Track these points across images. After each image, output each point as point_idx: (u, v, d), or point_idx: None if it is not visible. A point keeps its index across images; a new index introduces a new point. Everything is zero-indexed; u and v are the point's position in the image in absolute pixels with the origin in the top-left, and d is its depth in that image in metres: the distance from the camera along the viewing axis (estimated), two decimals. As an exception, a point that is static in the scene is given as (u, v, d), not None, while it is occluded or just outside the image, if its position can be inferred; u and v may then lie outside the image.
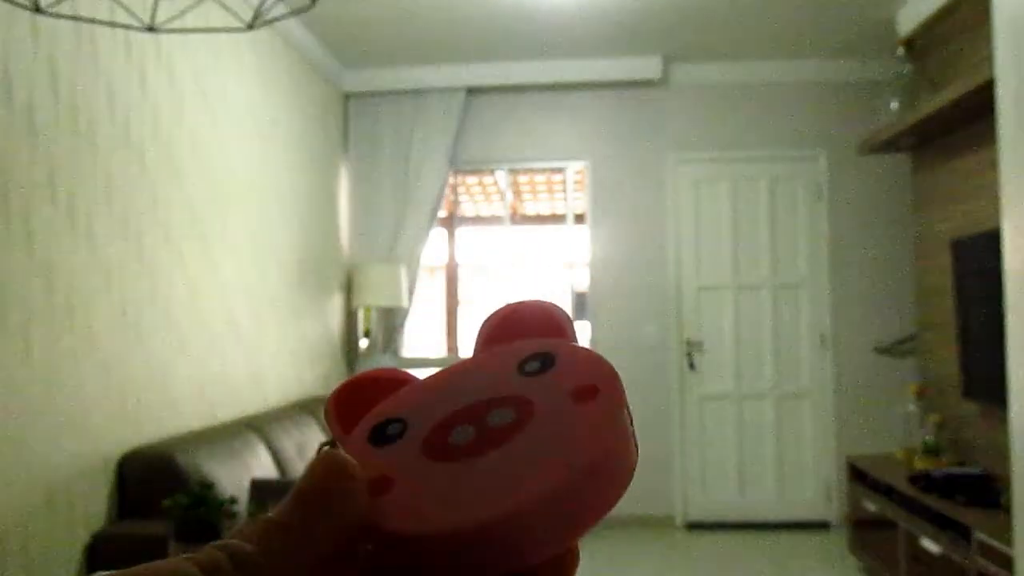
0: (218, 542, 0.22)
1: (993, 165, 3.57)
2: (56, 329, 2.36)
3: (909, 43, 4.27)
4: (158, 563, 0.21)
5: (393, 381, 0.31)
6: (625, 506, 3.72)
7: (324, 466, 0.25)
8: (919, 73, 4.16)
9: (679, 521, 4.99)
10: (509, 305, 0.32)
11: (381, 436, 0.28)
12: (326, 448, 0.30)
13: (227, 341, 3.47)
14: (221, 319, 3.42)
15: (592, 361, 0.29)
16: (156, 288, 2.91)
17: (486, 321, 0.32)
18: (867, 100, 4.86)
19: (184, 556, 0.22)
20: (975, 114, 3.55)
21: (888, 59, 4.53)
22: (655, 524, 4.95)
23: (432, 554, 0.25)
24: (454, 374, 0.30)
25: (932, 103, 3.64)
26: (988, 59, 2.68)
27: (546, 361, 0.29)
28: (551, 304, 0.32)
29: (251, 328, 3.72)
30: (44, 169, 2.33)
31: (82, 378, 2.47)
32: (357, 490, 0.25)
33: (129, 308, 2.73)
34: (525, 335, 0.31)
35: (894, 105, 4.18)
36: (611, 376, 0.28)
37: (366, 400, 0.30)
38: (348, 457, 0.25)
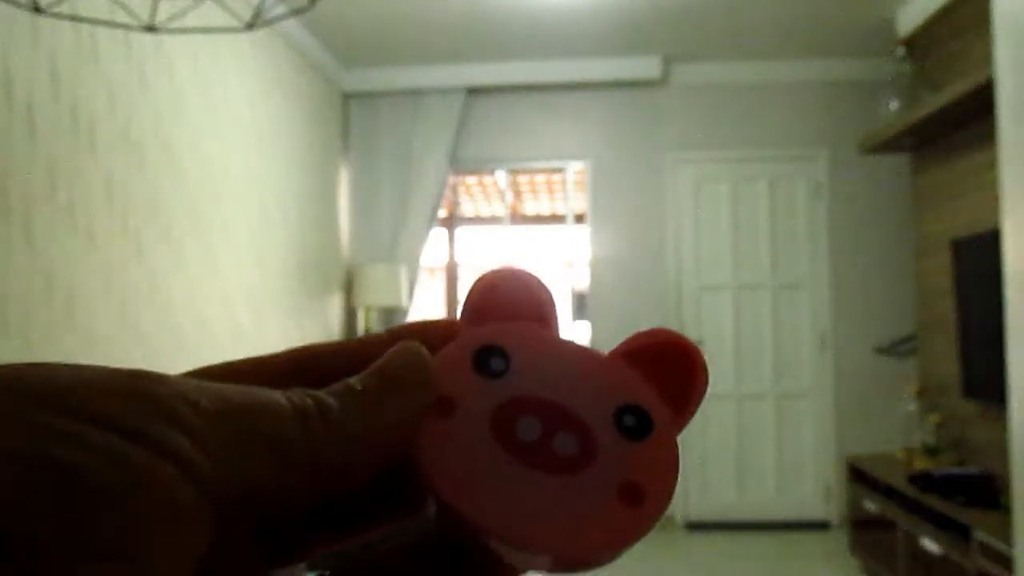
0: (305, 390, 0.23)
1: (993, 165, 3.56)
2: (56, 328, 2.36)
3: (909, 43, 4.27)
4: (262, 390, 0.22)
5: (539, 309, 0.30)
6: (625, 506, 3.71)
7: (410, 354, 0.25)
8: (919, 73, 4.16)
9: (679, 521, 4.99)
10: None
11: (483, 360, 0.27)
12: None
13: (227, 341, 3.47)
14: (221, 319, 3.42)
15: (669, 460, 0.28)
16: (156, 287, 2.91)
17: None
18: (867, 100, 4.86)
19: (281, 392, 0.23)
20: (975, 114, 3.55)
21: (888, 59, 4.53)
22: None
23: (449, 517, 0.25)
24: (573, 358, 0.29)
25: (932, 103, 3.64)
26: (988, 59, 2.68)
27: (643, 427, 0.28)
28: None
29: (251, 328, 3.72)
30: (44, 169, 2.33)
31: (82, 378, 2.47)
32: (431, 391, 0.25)
33: (129, 307, 2.73)
34: (651, 363, 0.30)
35: (894, 105, 4.18)
36: (669, 482, 0.27)
37: (509, 306, 0.29)
38: (428, 356, 0.26)
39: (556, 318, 0.30)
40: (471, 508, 0.25)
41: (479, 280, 0.29)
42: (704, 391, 0.30)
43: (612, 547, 0.26)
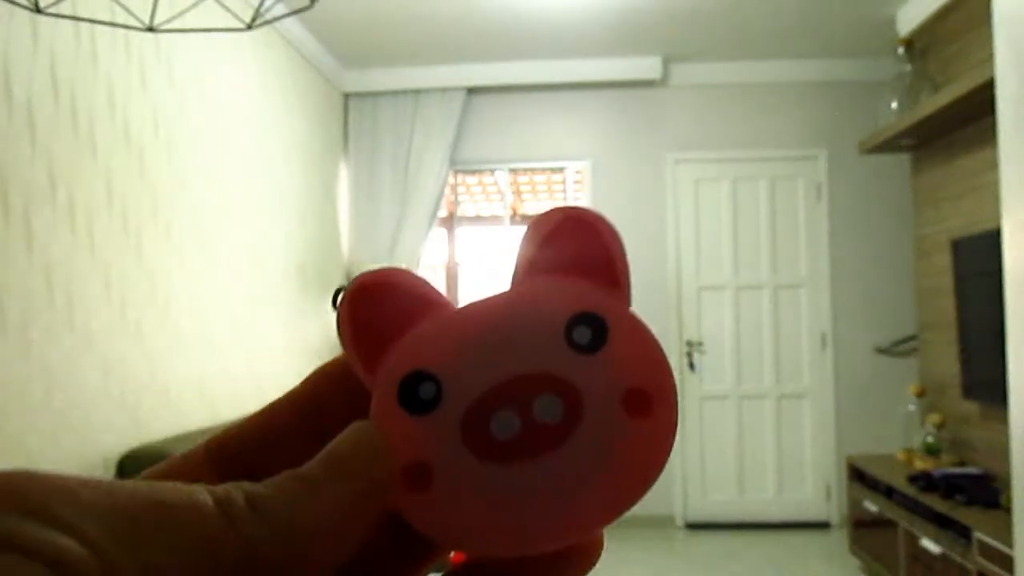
0: (238, 483, 0.21)
1: (993, 165, 3.56)
2: (56, 329, 2.36)
3: (909, 43, 4.26)
4: (174, 484, 0.20)
5: (423, 300, 0.27)
6: (625, 506, 3.69)
7: (359, 435, 0.24)
8: (919, 73, 4.16)
9: (679, 521, 4.99)
10: (559, 215, 0.28)
11: (413, 398, 0.25)
12: (335, 360, 0.27)
13: (227, 341, 3.47)
14: (221, 319, 3.42)
15: (647, 351, 0.26)
16: (156, 288, 2.91)
17: (539, 224, 0.27)
18: (867, 100, 4.86)
19: (202, 485, 0.21)
20: (975, 114, 3.55)
21: (888, 59, 4.53)
22: (655, 524, 4.95)
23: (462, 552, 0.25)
24: (496, 316, 0.26)
25: (932, 103, 3.64)
26: (988, 59, 2.68)
27: (597, 331, 0.25)
28: (609, 228, 0.28)
29: (251, 328, 3.71)
30: (44, 169, 2.33)
31: (82, 378, 2.47)
32: (387, 466, 0.24)
33: (129, 308, 2.73)
34: (575, 261, 0.27)
35: (894, 105, 4.18)
36: (667, 380, 0.25)
37: (391, 322, 0.26)
38: (381, 436, 0.24)
39: (437, 293, 0.27)
40: (485, 546, 0.24)
41: (345, 302, 0.27)
42: (620, 246, 0.27)
43: (653, 463, 0.24)
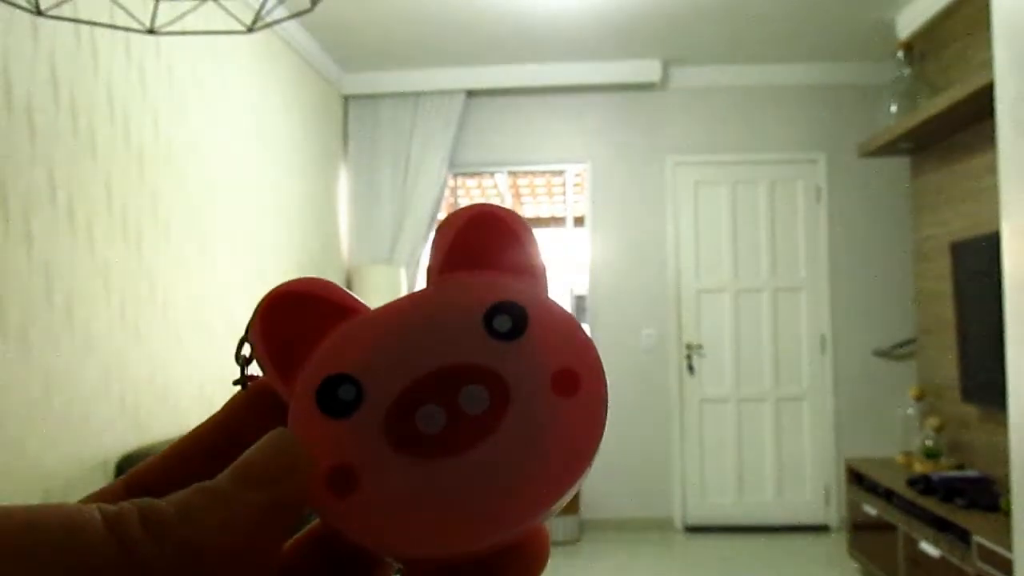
0: (137, 499, 0.20)
1: (992, 168, 3.57)
2: (55, 330, 2.36)
3: (908, 46, 4.27)
4: (59, 505, 0.19)
5: (336, 305, 0.26)
6: (624, 509, 3.69)
7: (273, 442, 0.22)
8: (918, 76, 4.17)
9: (678, 524, 4.99)
10: (468, 213, 0.27)
11: (332, 401, 0.24)
12: (247, 383, 0.26)
13: (226, 342, 3.47)
14: (220, 320, 3.42)
15: (570, 332, 0.25)
16: (155, 289, 2.91)
17: (445, 226, 0.27)
18: (866, 103, 4.87)
19: (93, 502, 0.19)
20: (974, 117, 3.55)
21: (887, 62, 4.54)
22: (654, 527, 4.95)
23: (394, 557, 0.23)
24: (411, 313, 0.26)
25: (931, 106, 3.64)
26: (987, 63, 2.68)
27: (517, 320, 0.25)
28: (517, 219, 0.27)
29: (250, 330, 3.71)
30: (44, 170, 2.33)
31: (81, 379, 2.47)
32: (306, 476, 0.22)
33: (128, 309, 2.73)
34: (488, 256, 0.27)
35: (893, 108, 4.18)
36: (592, 358, 0.25)
37: (304, 325, 0.25)
38: (299, 442, 0.22)
39: (352, 299, 0.26)
40: (420, 548, 0.22)
41: (257, 316, 0.26)
42: (534, 242, 0.27)
43: (589, 438, 0.23)
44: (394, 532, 0.22)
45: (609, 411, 0.25)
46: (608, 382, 0.24)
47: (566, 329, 0.25)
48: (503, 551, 0.23)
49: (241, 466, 0.21)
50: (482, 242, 0.27)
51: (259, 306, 0.26)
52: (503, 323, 0.25)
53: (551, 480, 0.23)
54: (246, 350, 0.26)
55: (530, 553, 0.24)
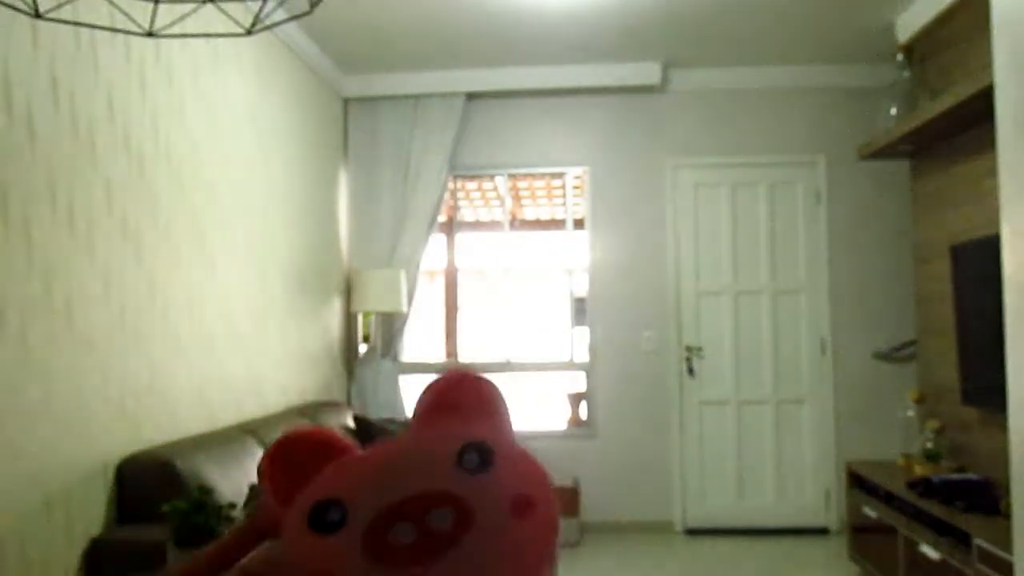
0: None
1: (992, 171, 3.57)
2: (55, 333, 2.36)
3: (908, 49, 4.27)
4: None
5: (331, 448, 0.30)
6: (624, 511, 3.69)
7: (262, 552, 0.25)
8: (918, 79, 4.17)
9: (678, 527, 4.98)
10: (446, 379, 0.31)
11: (321, 521, 0.27)
12: (254, 500, 0.29)
13: (226, 346, 3.47)
14: (220, 323, 3.42)
15: (528, 467, 0.29)
16: (155, 292, 2.91)
17: (427, 390, 0.31)
18: (866, 106, 4.87)
19: None
20: (974, 120, 3.56)
21: (887, 65, 4.54)
22: (654, 530, 4.95)
23: None
24: (394, 452, 0.29)
25: (931, 109, 3.64)
26: (987, 65, 2.69)
27: (484, 456, 0.28)
28: (485, 383, 0.31)
29: (250, 333, 3.71)
30: (43, 173, 2.33)
31: (81, 382, 2.47)
32: None
33: (128, 312, 2.73)
34: (462, 409, 0.30)
35: (893, 111, 4.18)
36: (546, 486, 0.28)
37: (305, 464, 0.29)
38: (286, 554, 0.25)
39: (345, 442, 0.31)
40: None
41: (267, 459, 0.30)
42: (502, 401, 0.31)
43: (541, 554, 0.25)
44: None
45: (559, 533, 0.27)
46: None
47: (525, 465, 0.28)
48: None
49: (237, 569, 0.23)
50: (459, 399, 0.31)
51: (268, 450, 0.29)
52: (472, 460, 0.28)
53: None
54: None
55: None
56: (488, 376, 0.27)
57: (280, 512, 0.24)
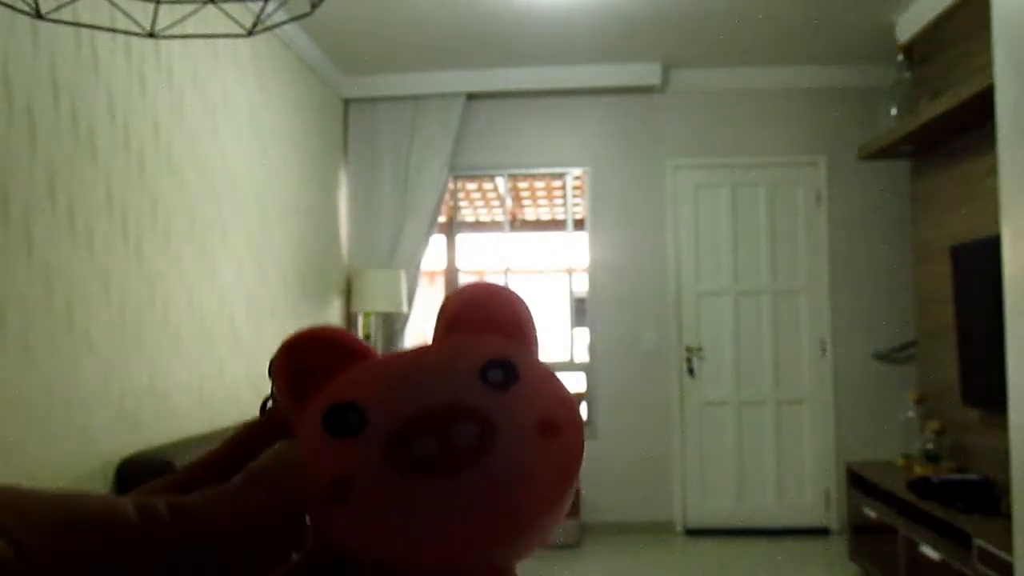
0: (164, 497, 0.23)
1: (992, 171, 3.57)
2: (55, 333, 2.36)
3: (908, 49, 4.27)
4: (97, 494, 0.22)
5: (350, 350, 0.30)
6: (625, 512, 3.68)
7: (276, 451, 0.25)
8: (918, 79, 4.17)
9: (678, 527, 4.98)
10: (473, 289, 0.31)
11: (338, 424, 0.27)
12: (268, 405, 0.29)
13: (226, 346, 3.47)
14: (220, 324, 3.42)
15: (554, 388, 0.28)
16: (155, 293, 2.91)
17: (448, 301, 0.31)
18: (866, 106, 4.88)
19: (128, 496, 0.22)
20: (974, 120, 3.56)
21: (888, 65, 4.54)
22: (654, 530, 4.94)
23: (379, 570, 0.25)
24: (415, 362, 0.29)
25: (931, 109, 3.64)
26: (987, 66, 2.69)
27: (508, 373, 0.28)
28: (516, 297, 0.31)
29: (250, 333, 3.71)
30: (44, 174, 2.33)
31: (81, 383, 2.47)
32: (304, 480, 0.25)
33: (128, 313, 2.73)
34: (488, 324, 0.30)
35: (893, 111, 4.18)
36: (572, 410, 0.28)
37: (320, 365, 0.29)
38: (300, 456, 0.26)
39: (363, 345, 0.30)
40: (402, 556, 0.24)
41: (281, 354, 0.30)
42: (530, 319, 0.31)
43: (564, 478, 0.26)
44: (380, 539, 0.25)
45: (584, 456, 0.27)
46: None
47: (551, 386, 0.28)
48: None
49: (248, 471, 0.24)
50: (483, 313, 0.30)
51: (283, 344, 0.29)
52: (496, 376, 0.28)
53: (531, 506, 0.25)
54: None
55: None
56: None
57: (293, 411, 0.25)
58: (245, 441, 0.29)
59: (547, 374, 0.29)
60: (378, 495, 0.25)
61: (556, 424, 0.27)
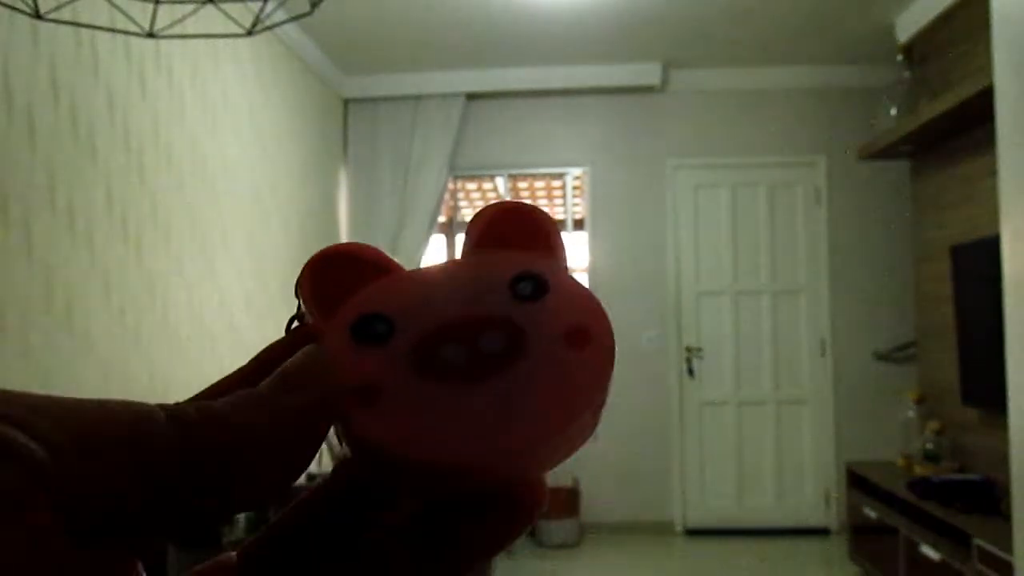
0: (191, 402, 0.23)
1: (992, 171, 3.57)
2: (55, 333, 2.36)
3: (908, 49, 4.27)
4: (124, 400, 0.22)
5: (376, 265, 0.30)
6: (624, 512, 3.68)
7: (304, 354, 0.25)
8: (918, 79, 4.17)
9: (678, 527, 4.98)
10: (499, 206, 0.31)
11: (366, 333, 0.27)
12: (295, 325, 0.29)
13: (226, 346, 3.47)
14: (220, 324, 3.42)
15: (585, 299, 0.28)
16: (155, 292, 2.91)
17: (476, 219, 0.31)
18: (866, 106, 4.87)
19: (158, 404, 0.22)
20: (974, 120, 3.55)
21: (887, 65, 4.54)
22: (654, 530, 4.94)
23: (409, 474, 0.25)
24: (443, 275, 0.30)
25: (931, 109, 3.64)
26: (987, 66, 2.69)
27: (538, 285, 0.28)
28: (544, 214, 0.31)
29: (250, 333, 3.71)
30: (44, 174, 2.33)
31: (81, 382, 2.47)
32: (334, 383, 0.25)
33: (128, 313, 2.73)
34: (515, 240, 0.30)
35: (893, 111, 4.18)
36: (603, 320, 0.28)
37: (346, 279, 0.29)
38: (329, 358, 0.26)
39: (393, 262, 0.30)
40: (427, 453, 0.24)
41: (308, 266, 0.29)
42: (558, 234, 0.31)
43: (594, 386, 0.26)
44: (405, 440, 0.25)
45: (614, 374, 0.27)
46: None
47: (582, 297, 0.28)
48: (497, 494, 0.26)
49: (277, 374, 0.24)
50: (511, 229, 0.30)
51: (308, 260, 0.29)
52: (525, 288, 0.28)
53: (556, 412, 0.25)
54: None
55: (523, 503, 0.26)
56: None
57: (320, 325, 0.25)
58: (271, 358, 0.29)
59: (577, 285, 0.29)
60: (404, 398, 0.26)
61: (586, 333, 0.27)
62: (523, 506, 0.26)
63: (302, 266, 0.29)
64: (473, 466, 0.25)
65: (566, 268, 0.30)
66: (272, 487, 0.23)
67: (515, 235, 0.30)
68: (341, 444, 0.26)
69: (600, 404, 0.26)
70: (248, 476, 0.22)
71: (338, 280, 0.29)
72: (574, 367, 0.26)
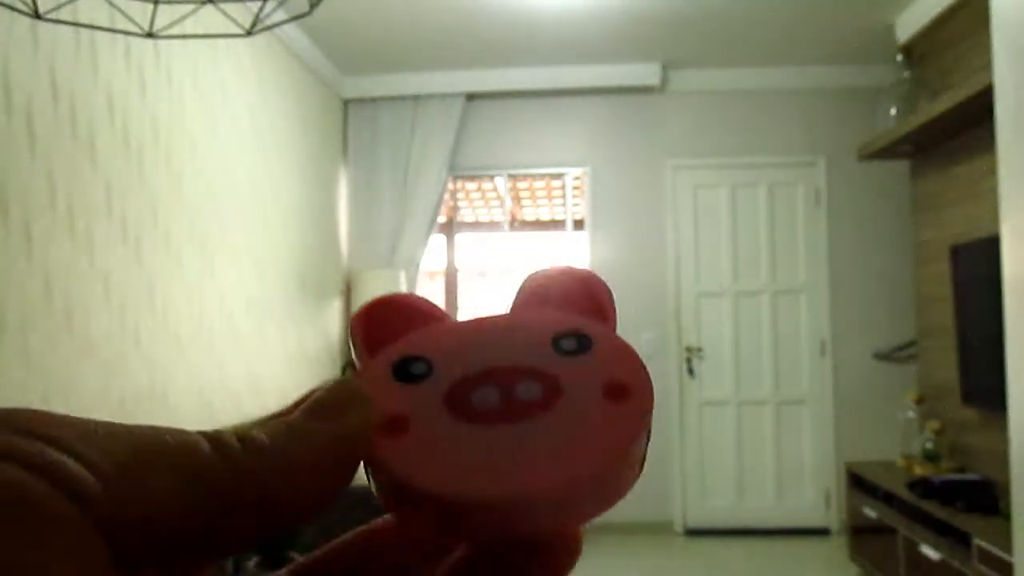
0: (231, 427, 0.23)
1: (992, 171, 3.57)
2: (54, 334, 2.36)
3: (908, 50, 4.27)
4: (168, 428, 0.22)
5: (426, 313, 0.31)
6: (624, 512, 3.66)
7: (340, 385, 0.26)
8: (918, 79, 4.17)
9: (678, 527, 4.98)
10: (557, 269, 0.32)
11: (404, 372, 0.28)
12: (348, 370, 0.30)
13: (226, 347, 3.47)
14: (220, 325, 3.42)
15: (629, 357, 0.28)
16: (155, 294, 2.91)
17: (530, 279, 0.32)
18: (866, 106, 4.87)
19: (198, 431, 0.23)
20: (974, 120, 3.55)
21: (887, 65, 4.54)
22: (654, 530, 4.94)
23: (429, 510, 0.25)
24: (488, 327, 0.30)
25: (931, 109, 3.64)
26: (987, 66, 2.68)
27: (583, 343, 0.28)
28: (599, 281, 0.31)
29: (250, 334, 3.71)
30: (43, 175, 2.33)
31: (80, 383, 2.47)
32: (368, 413, 0.26)
33: (128, 314, 2.73)
34: (566, 305, 0.31)
35: (893, 111, 4.18)
36: (644, 378, 0.27)
37: (396, 326, 0.30)
38: (363, 386, 0.26)
39: (440, 310, 0.31)
40: (459, 490, 0.24)
41: (360, 314, 0.30)
42: (611, 303, 0.31)
43: (627, 438, 0.25)
44: (432, 472, 0.25)
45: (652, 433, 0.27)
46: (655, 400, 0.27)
47: (626, 356, 0.28)
48: (533, 544, 0.26)
49: (312, 404, 0.25)
50: (563, 290, 0.31)
51: (361, 307, 0.30)
52: (569, 344, 0.28)
53: (584, 462, 0.25)
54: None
55: (556, 554, 0.26)
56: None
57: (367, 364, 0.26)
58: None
59: (623, 345, 0.29)
60: (431, 431, 0.26)
61: (625, 388, 0.27)
62: (556, 557, 0.26)
63: (353, 315, 0.30)
64: (494, 504, 0.24)
65: (614, 332, 0.30)
66: (303, 513, 0.23)
67: (566, 296, 0.31)
68: (367, 474, 0.26)
69: (636, 459, 0.26)
70: (282, 502, 0.23)
71: (389, 325, 0.30)
72: (607, 417, 0.26)
